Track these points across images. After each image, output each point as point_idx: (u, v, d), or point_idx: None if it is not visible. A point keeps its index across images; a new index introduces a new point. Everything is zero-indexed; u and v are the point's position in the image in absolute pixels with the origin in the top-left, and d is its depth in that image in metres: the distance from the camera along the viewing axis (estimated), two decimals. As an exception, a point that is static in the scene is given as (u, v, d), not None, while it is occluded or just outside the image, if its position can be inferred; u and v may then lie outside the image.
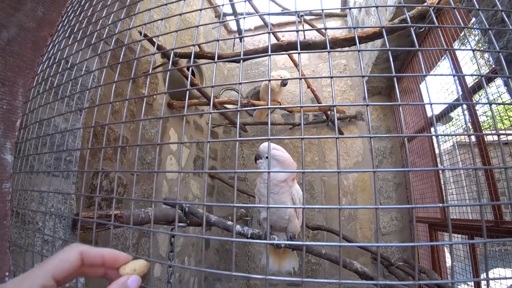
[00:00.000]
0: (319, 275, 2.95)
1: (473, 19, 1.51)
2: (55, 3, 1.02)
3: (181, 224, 1.57)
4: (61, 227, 1.09)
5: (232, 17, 2.65)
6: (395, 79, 0.44)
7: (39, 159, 0.95)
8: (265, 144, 1.31)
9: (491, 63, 1.86)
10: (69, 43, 0.90)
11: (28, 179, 0.97)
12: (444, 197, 1.94)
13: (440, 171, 1.73)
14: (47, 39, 1.04)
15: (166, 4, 0.61)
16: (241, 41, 3.64)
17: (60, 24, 1.03)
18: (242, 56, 0.48)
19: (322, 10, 0.52)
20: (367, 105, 0.40)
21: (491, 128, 1.84)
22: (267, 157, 1.31)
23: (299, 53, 0.44)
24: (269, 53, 0.46)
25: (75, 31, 0.91)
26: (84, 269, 0.35)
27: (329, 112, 3.02)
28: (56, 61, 0.93)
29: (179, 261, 2.77)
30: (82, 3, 0.96)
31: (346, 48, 2.48)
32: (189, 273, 2.89)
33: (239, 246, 3.21)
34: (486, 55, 1.75)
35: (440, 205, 0.35)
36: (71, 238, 1.11)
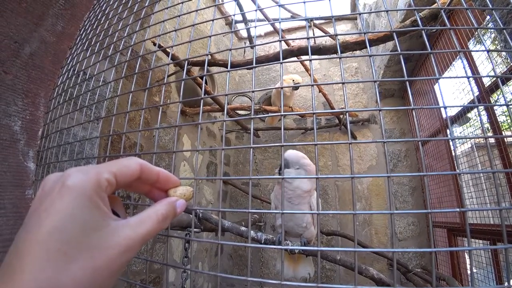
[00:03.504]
0: (334, 281, 2.90)
1: (488, 17, 1.47)
2: (74, 18, 1.07)
3: (195, 229, 1.59)
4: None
5: (243, 25, 2.68)
6: (407, 83, 0.44)
7: (59, 166, 0.98)
8: (292, 152, 1.25)
9: (509, 60, 1.81)
10: (87, 56, 0.94)
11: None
12: (462, 202, 1.88)
13: (457, 176, 1.67)
14: (66, 52, 1.08)
15: (178, 16, 0.63)
16: (252, 49, 3.67)
17: (78, 38, 1.07)
18: (254, 64, 0.49)
19: (332, 16, 0.52)
20: (380, 110, 0.40)
21: (511, 128, 1.78)
22: (297, 168, 1.25)
23: (310, 60, 0.45)
24: (281, 60, 0.47)
25: (92, 43, 0.95)
26: (135, 182, 0.35)
27: (341, 116, 3.00)
28: (75, 72, 0.98)
29: (192, 266, 2.78)
30: (98, 17, 1.00)
31: (357, 53, 2.46)
32: (202, 278, 2.90)
33: (252, 252, 3.20)
34: (504, 52, 1.70)
35: (458, 209, 0.35)
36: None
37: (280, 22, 0.55)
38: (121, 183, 0.32)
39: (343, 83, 0.43)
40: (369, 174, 3.00)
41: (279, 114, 0.41)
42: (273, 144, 0.40)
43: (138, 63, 0.76)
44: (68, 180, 0.27)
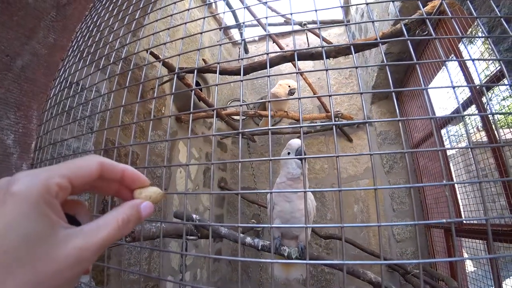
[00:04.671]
0: (333, 284, 2.89)
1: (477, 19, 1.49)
2: (65, 30, 1.08)
3: (192, 237, 1.58)
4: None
5: (237, 31, 2.69)
6: (393, 94, 0.45)
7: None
8: (297, 141, 1.29)
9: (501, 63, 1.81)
10: (79, 67, 0.94)
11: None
12: (450, 211, 1.89)
13: (446, 183, 1.69)
14: (58, 64, 1.08)
15: (168, 29, 0.64)
16: (246, 53, 3.68)
17: (71, 49, 1.08)
18: (242, 78, 0.49)
19: (319, 28, 0.53)
20: (366, 122, 0.41)
21: (505, 125, 1.79)
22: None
23: (297, 73, 0.45)
24: (268, 74, 0.48)
25: (84, 55, 0.95)
26: (98, 182, 0.33)
27: (336, 119, 3.01)
28: (68, 84, 0.98)
29: (191, 273, 2.77)
30: (90, 28, 1.01)
31: (344, 66, 2.47)
32: (201, 284, 2.88)
33: (251, 256, 3.19)
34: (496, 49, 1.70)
35: (444, 220, 0.35)
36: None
37: (268, 36, 0.55)
38: (78, 185, 0.29)
39: (329, 96, 0.44)
40: (366, 175, 3.00)
41: (267, 128, 0.41)
42: (261, 159, 0.40)
43: (131, 72, 0.76)
44: (14, 185, 0.25)
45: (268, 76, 0.46)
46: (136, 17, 0.79)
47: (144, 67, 0.86)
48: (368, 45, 1.48)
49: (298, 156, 1.09)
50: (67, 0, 1.08)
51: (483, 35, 0.83)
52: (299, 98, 0.43)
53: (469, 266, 2.22)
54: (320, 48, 1.58)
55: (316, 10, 0.53)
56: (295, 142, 1.27)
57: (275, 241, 1.35)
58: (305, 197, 0.39)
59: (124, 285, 1.93)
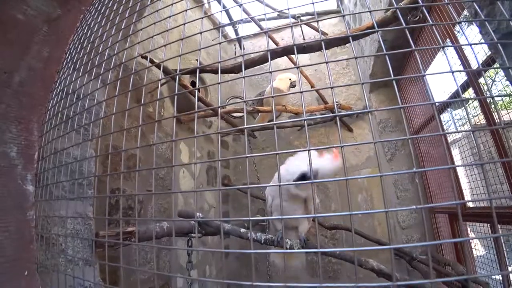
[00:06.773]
0: (341, 274, 2.92)
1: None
2: (59, 42, 1.09)
3: (195, 235, 1.60)
4: (82, 246, 1.13)
5: (232, 29, 2.67)
6: (394, 82, 0.45)
7: (57, 185, 1.00)
8: (297, 162, 1.11)
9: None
10: (74, 78, 0.96)
11: (49, 205, 1.03)
12: (455, 193, 1.89)
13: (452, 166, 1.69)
14: (54, 76, 1.10)
15: (166, 31, 0.64)
16: (242, 49, 3.65)
17: (65, 61, 1.09)
18: (244, 75, 0.49)
19: (317, 21, 0.53)
20: (369, 112, 0.41)
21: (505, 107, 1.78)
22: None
23: (298, 67, 0.46)
24: (270, 70, 0.48)
25: (78, 66, 0.97)
26: None
27: (335, 111, 3.01)
28: (65, 94, 0.99)
29: (199, 270, 2.79)
30: (81, 40, 1.02)
31: (345, 57, 2.45)
32: (210, 282, 2.91)
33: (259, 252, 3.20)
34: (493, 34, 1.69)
35: (451, 202, 0.36)
36: (91, 256, 1.15)
37: (267, 32, 0.55)
38: None
39: (331, 88, 0.44)
40: (367, 165, 3.00)
41: (272, 123, 0.42)
42: (268, 153, 0.40)
43: (128, 79, 0.77)
44: None
45: (270, 72, 0.46)
46: (123, 26, 0.80)
47: (140, 72, 0.86)
48: (365, 34, 1.48)
49: (305, 150, 1.08)
50: (57, 14, 1.09)
51: (478, 18, 0.83)
52: (301, 92, 0.44)
53: (477, 251, 2.22)
54: (313, 40, 1.57)
55: (313, 3, 0.53)
56: (297, 169, 1.12)
57: (278, 234, 1.37)
58: (312, 188, 0.40)
59: (135, 286, 1.95)
